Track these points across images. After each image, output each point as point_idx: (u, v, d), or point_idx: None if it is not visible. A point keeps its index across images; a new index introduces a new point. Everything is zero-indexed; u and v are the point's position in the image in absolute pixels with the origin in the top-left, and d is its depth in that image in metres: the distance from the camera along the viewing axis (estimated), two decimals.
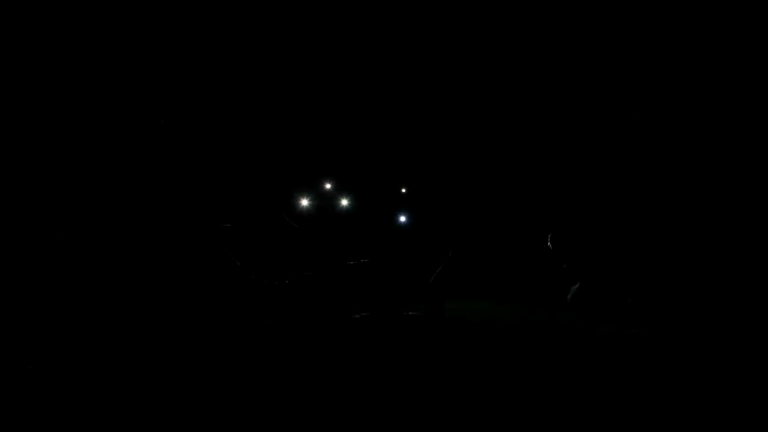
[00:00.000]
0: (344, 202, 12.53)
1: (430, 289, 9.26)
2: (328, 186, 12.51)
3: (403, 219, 11.52)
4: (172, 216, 12.13)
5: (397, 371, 5.86)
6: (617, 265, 11.21)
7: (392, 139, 13.70)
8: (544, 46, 12.79)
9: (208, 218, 12.07)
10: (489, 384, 5.39)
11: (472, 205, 13.32)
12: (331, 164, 13.30)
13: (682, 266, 10.73)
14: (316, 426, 4.30)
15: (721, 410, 4.46)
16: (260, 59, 13.23)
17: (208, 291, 11.29)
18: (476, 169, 13.50)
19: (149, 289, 11.29)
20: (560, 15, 12.43)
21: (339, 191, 12.85)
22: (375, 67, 13.44)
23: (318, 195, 12.80)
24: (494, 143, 13.41)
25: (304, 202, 12.42)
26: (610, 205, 12.24)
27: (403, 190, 12.01)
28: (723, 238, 10.91)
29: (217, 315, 10.67)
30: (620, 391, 5.02)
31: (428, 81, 13.47)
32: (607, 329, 8.37)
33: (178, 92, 12.83)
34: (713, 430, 4.16)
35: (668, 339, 7.56)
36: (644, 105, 12.07)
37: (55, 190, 11.78)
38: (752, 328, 8.29)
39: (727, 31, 11.12)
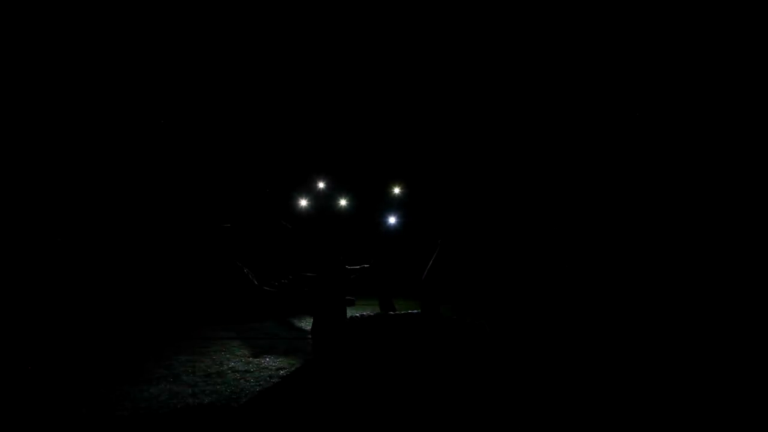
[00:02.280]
0: (343, 202, 12.55)
1: (424, 288, 9.36)
2: (322, 186, 12.52)
3: (394, 220, 11.61)
4: (173, 217, 12.13)
5: (398, 367, 5.87)
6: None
7: (387, 142, 13.76)
8: (522, 53, 12.86)
9: (209, 219, 12.07)
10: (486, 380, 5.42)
11: (461, 206, 13.40)
12: (328, 165, 13.33)
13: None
14: (318, 421, 4.32)
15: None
16: (260, 61, 13.26)
17: (208, 291, 11.28)
18: (464, 174, 13.59)
19: (150, 290, 11.28)
20: (554, 16, 12.45)
21: (337, 192, 12.86)
22: (365, 71, 13.47)
23: (316, 196, 12.82)
24: (479, 150, 13.50)
25: (303, 203, 12.42)
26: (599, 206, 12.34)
27: (397, 190, 12.07)
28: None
29: (219, 315, 10.67)
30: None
31: (418, 88, 13.52)
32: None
33: (179, 93, 12.85)
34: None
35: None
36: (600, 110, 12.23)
37: (55, 190, 11.77)
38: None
39: (722, 32, 11.13)
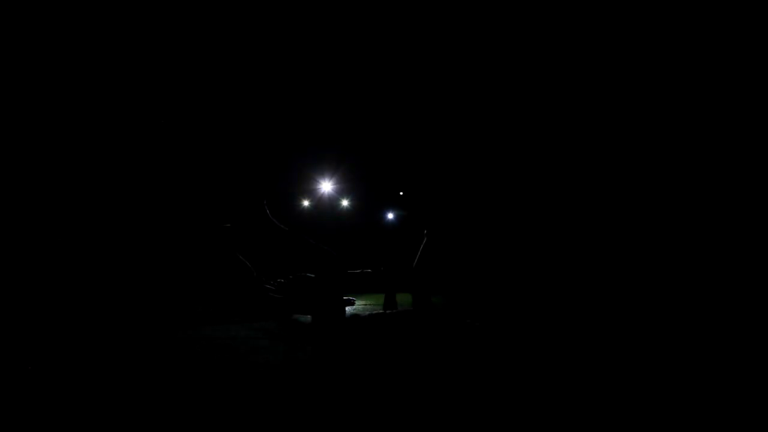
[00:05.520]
0: (344, 203, 12.66)
1: (414, 277, 9.63)
2: (323, 188, 12.62)
3: (393, 217, 11.79)
4: (173, 216, 12.20)
5: (395, 362, 6.03)
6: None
7: (386, 141, 13.84)
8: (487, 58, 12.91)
9: (210, 219, 12.15)
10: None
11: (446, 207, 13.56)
12: (329, 166, 13.43)
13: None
14: (321, 414, 4.42)
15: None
16: (260, 63, 13.29)
17: (209, 291, 11.38)
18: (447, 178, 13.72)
19: (151, 290, 11.37)
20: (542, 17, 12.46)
21: (338, 193, 12.97)
22: (364, 72, 13.50)
23: (316, 197, 12.91)
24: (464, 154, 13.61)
25: (305, 203, 12.53)
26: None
27: (401, 194, 12.21)
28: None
29: (221, 314, 10.76)
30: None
31: (414, 90, 13.56)
32: None
33: (179, 93, 12.89)
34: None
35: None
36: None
37: (56, 190, 11.83)
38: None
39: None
